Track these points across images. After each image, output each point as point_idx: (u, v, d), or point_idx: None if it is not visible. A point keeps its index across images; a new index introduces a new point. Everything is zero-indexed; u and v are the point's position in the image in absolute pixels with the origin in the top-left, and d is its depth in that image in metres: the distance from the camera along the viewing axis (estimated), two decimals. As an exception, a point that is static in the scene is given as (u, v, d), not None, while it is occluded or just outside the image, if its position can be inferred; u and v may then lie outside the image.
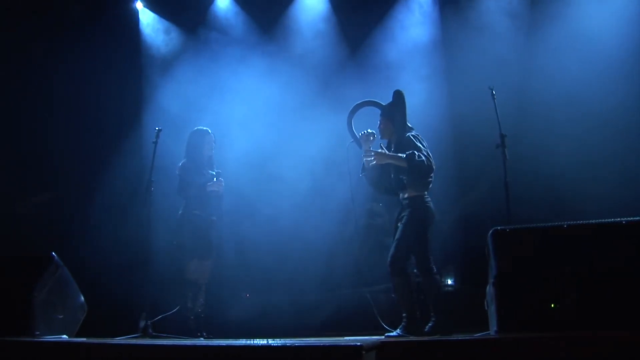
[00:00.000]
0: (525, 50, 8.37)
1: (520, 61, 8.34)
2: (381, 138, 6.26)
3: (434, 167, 5.87)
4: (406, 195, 5.98)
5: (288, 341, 4.41)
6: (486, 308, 5.05)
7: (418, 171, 5.79)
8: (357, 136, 6.29)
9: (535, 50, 8.28)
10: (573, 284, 4.48)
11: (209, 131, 7.32)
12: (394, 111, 6.14)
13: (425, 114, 7.31)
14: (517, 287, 4.61)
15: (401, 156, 5.86)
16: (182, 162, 7.22)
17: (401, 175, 5.94)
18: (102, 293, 7.38)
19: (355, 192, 6.46)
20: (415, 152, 5.80)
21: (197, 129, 7.34)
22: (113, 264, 8.12)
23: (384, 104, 6.27)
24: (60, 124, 8.95)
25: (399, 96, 6.15)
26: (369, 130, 6.21)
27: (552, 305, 4.48)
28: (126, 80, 9.20)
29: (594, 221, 4.78)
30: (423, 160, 5.75)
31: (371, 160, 6.06)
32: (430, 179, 5.95)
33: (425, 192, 5.97)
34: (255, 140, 8.53)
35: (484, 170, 8.05)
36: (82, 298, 6.26)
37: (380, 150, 6.05)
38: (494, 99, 6.33)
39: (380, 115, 6.26)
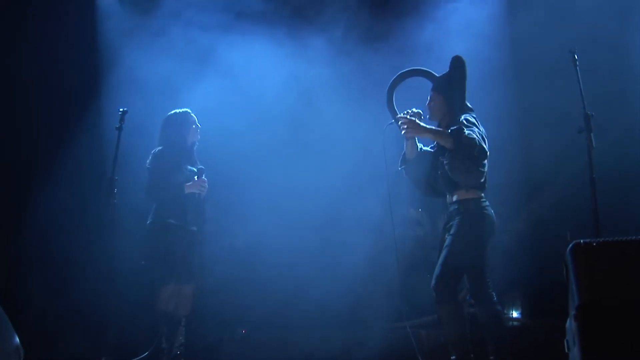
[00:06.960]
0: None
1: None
2: (430, 119, 6.25)
3: (487, 152, 5.82)
4: (456, 198, 5.97)
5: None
6: (567, 350, 4.91)
7: (466, 154, 5.70)
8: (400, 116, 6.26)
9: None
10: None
11: (190, 113, 7.36)
12: (451, 85, 6.12)
13: (481, 86, 7.20)
14: (608, 322, 4.46)
15: (443, 131, 5.82)
16: (155, 150, 7.23)
17: (448, 161, 5.84)
18: (46, 331, 7.43)
19: (393, 192, 6.42)
20: (464, 128, 5.73)
21: (176, 111, 7.37)
22: (61, 291, 8.09)
23: (437, 75, 6.26)
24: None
25: (459, 65, 6.10)
26: (414, 110, 6.14)
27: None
28: (80, 45, 9.11)
29: None
30: (474, 139, 5.69)
31: (405, 129, 5.96)
32: (484, 171, 5.86)
33: (482, 194, 5.96)
34: (252, 126, 8.56)
35: (561, 163, 8.02)
36: (17, 339, 6.18)
37: (416, 120, 5.95)
38: (576, 66, 6.14)
39: (432, 89, 6.28)
